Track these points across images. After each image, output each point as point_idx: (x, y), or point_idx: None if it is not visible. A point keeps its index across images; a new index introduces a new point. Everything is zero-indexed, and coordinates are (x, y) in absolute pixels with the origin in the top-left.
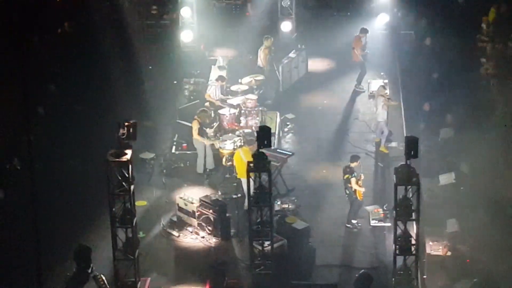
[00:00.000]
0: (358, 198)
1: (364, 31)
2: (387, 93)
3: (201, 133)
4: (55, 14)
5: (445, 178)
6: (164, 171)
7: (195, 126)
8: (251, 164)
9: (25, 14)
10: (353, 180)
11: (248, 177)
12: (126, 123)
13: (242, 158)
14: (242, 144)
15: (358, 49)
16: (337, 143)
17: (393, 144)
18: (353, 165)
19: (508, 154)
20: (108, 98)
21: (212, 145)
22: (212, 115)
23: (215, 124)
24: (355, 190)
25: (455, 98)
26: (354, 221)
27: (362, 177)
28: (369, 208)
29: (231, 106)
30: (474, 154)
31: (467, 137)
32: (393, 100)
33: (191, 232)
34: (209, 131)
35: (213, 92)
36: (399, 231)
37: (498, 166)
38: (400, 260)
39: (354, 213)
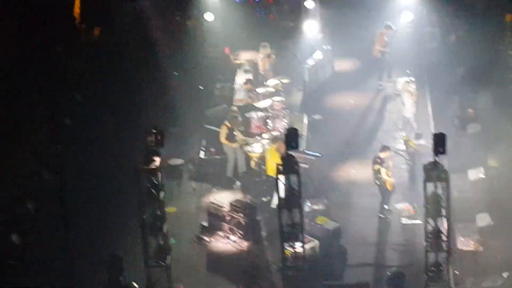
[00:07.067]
0: (389, 188)
1: (388, 27)
2: (412, 87)
3: (229, 137)
4: (79, 22)
5: (474, 173)
6: (194, 176)
7: (223, 130)
8: (280, 166)
9: (49, 24)
10: (383, 170)
11: (277, 179)
12: (154, 130)
13: (268, 157)
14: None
15: (378, 45)
16: (365, 142)
17: (422, 141)
18: (383, 155)
19: None
20: (135, 105)
21: (242, 148)
22: (240, 118)
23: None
24: (385, 180)
25: (481, 92)
26: (386, 207)
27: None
28: (399, 206)
29: (259, 109)
30: (502, 148)
31: (494, 131)
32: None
33: (222, 237)
34: (239, 134)
35: (241, 95)
36: (429, 228)
37: None
38: (431, 257)
39: (386, 203)
